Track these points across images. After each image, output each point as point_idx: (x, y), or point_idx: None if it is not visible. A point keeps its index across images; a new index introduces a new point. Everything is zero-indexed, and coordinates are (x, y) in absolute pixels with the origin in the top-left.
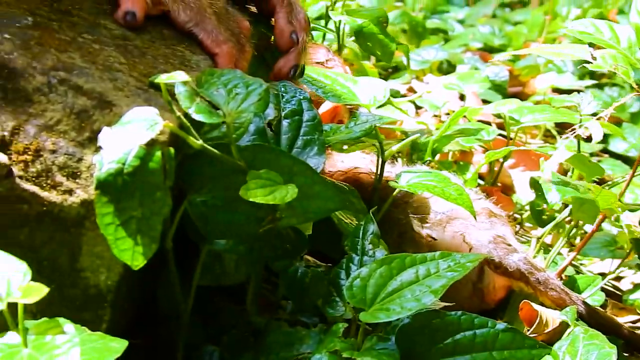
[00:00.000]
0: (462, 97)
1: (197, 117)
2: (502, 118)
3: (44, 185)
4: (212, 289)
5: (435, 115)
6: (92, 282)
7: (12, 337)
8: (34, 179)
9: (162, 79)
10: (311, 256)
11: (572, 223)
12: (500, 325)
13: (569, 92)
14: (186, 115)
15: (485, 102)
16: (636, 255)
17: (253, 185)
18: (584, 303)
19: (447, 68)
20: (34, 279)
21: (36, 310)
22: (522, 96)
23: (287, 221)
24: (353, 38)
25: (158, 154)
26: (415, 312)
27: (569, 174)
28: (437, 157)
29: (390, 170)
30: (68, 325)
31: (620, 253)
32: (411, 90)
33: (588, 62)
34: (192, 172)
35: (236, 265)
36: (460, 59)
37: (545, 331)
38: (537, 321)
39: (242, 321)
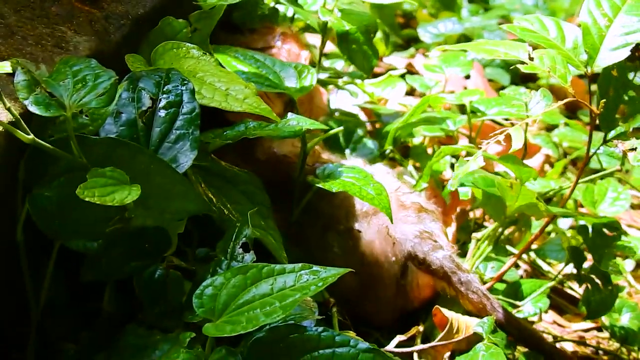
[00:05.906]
0: (468, 76)
1: (33, 109)
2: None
3: None
4: (85, 285)
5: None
6: None
7: None
8: None
9: None
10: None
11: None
12: (362, 345)
13: None
14: None
15: (491, 81)
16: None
17: (91, 184)
18: (505, 311)
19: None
20: None
21: None
22: (536, 77)
23: (141, 221)
24: None
25: None
26: (266, 327)
27: None
28: (417, 140)
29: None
30: None
31: None
32: (410, 66)
33: (523, 63)
34: (37, 167)
35: (92, 263)
36: (479, 34)
37: (456, 339)
38: (448, 328)
39: (101, 321)
